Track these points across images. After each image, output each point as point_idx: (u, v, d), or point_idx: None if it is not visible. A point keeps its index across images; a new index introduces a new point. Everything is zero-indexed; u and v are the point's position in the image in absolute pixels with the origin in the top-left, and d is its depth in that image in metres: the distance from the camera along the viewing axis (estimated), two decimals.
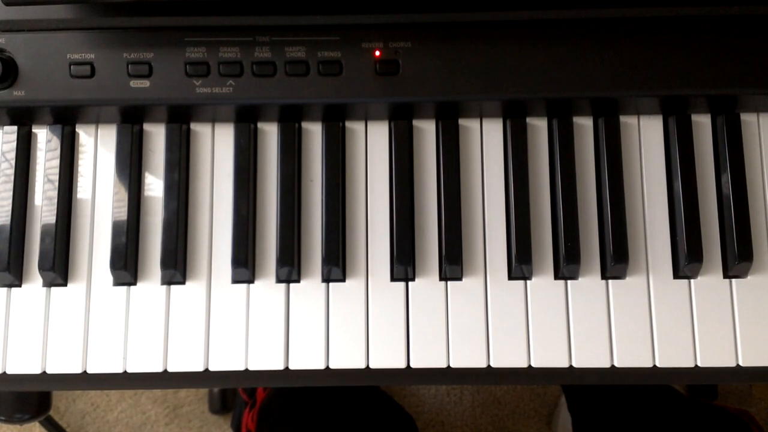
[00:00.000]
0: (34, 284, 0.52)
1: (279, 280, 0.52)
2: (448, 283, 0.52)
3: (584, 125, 0.54)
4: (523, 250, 0.51)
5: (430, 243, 0.52)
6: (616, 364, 0.50)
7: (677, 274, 0.52)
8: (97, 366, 0.51)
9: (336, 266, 0.51)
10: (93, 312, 0.52)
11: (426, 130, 0.54)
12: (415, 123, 0.54)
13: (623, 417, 0.69)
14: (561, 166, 0.52)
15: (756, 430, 0.69)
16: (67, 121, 0.54)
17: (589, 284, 0.52)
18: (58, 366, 0.51)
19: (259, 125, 0.54)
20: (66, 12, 0.51)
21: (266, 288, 0.52)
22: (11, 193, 0.52)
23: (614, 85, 0.50)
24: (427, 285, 0.52)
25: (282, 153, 0.53)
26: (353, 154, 0.54)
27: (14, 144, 0.53)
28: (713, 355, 0.51)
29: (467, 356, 0.51)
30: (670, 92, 0.51)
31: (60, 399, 1.39)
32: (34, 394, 0.66)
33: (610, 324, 0.51)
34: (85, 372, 0.51)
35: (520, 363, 0.51)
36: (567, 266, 0.51)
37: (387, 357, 0.51)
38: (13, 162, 0.53)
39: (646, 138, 0.54)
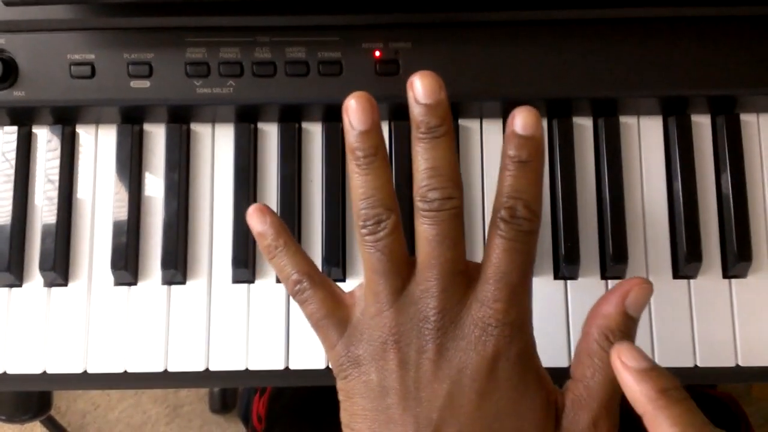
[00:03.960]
0: (34, 284, 0.52)
1: (279, 280, 0.52)
2: None
3: (584, 125, 0.54)
4: None
5: None
6: None
7: (677, 274, 0.52)
8: (97, 366, 0.51)
9: (336, 266, 0.51)
10: (93, 312, 0.52)
11: None
12: None
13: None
14: (561, 167, 0.52)
15: (738, 411, 0.70)
16: (67, 121, 0.54)
17: (588, 284, 0.52)
18: (58, 366, 0.51)
19: (259, 125, 0.54)
20: (66, 12, 0.51)
21: (267, 288, 0.52)
22: (11, 194, 0.52)
23: (614, 86, 0.51)
24: None
25: (282, 153, 0.53)
26: None
27: (14, 144, 0.53)
28: (713, 355, 0.51)
29: None
30: (669, 93, 0.51)
31: (61, 398, 1.39)
32: (34, 394, 0.66)
33: None
34: (85, 372, 0.51)
35: None
36: (566, 266, 0.51)
37: None
38: (13, 162, 0.53)
39: (646, 138, 0.54)
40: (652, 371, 0.34)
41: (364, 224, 0.38)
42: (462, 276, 0.38)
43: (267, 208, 0.42)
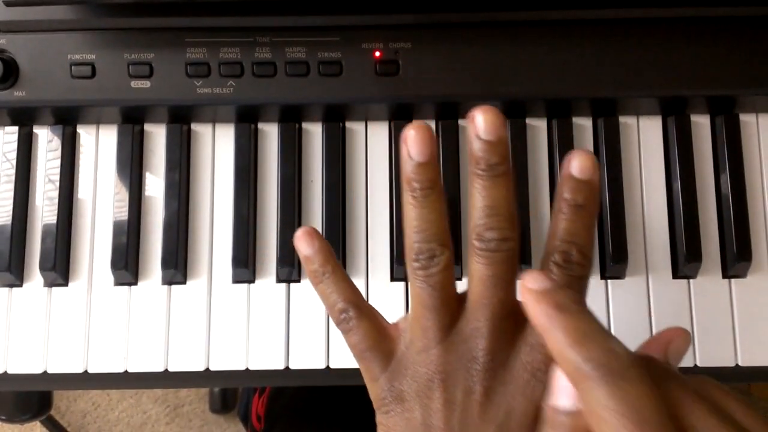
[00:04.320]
0: (35, 284, 0.52)
1: (279, 280, 0.52)
2: None
3: (583, 125, 0.54)
4: (521, 250, 0.51)
5: None
6: None
7: (676, 274, 0.52)
8: (98, 366, 0.51)
9: None
10: (94, 312, 0.52)
11: None
12: None
13: None
14: (560, 167, 0.52)
15: None
16: (68, 121, 0.54)
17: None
18: (59, 366, 0.51)
19: (260, 125, 0.54)
20: (67, 13, 0.51)
21: (267, 288, 0.52)
22: (12, 194, 0.53)
23: (613, 86, 0.51)
24: None
25: (282, 153, 0.53)
26: (353, 154, 0.54)
27: (15, 144, 0.53)
28: (712, 354, 0.51)
29: None
30: (669, 93, 0.51)
31: (61, 398, 1.39)
32: (35, 394, 0.66)
33: (609, 324, 0.51)
34: (86, 371, 0.52)
35: None
36: None
37: None
38: (14, 162, 0.53)
39: (645, 138, 0.54)
40: (551, 290, 0.34)
41: (416, 258, 0.37)
42: (512, 317, 0.37)
43: (315, 232, 0.41)
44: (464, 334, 0.37)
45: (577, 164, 0.36)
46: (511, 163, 0.51)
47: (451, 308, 0.38)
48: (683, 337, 0.37)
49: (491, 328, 0.37)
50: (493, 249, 0.36)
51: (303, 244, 0.41)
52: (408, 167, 0.37)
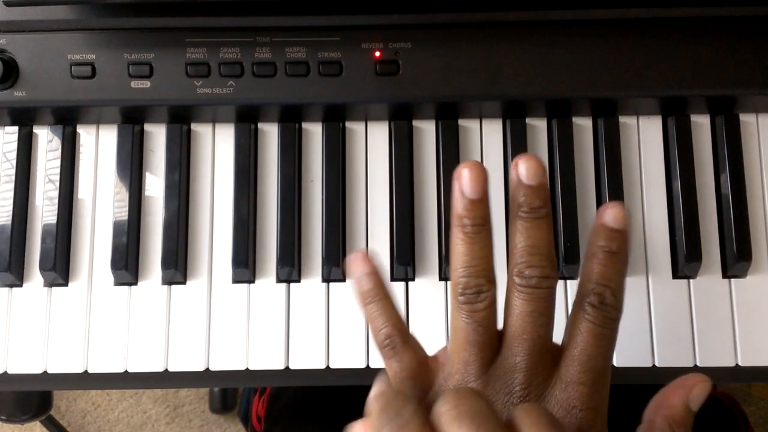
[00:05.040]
0: (35, 284, 0.52)
1: (279, 280, 0.52)
2: (449, 283, 0.52)
3: (583, 125, 0.54)
4: None
5: (430, 243, 0.53)
6: (615, 364, 0.51)
7: (676, 274, 0.52)
8: (98, 366, 0.51)
9: (336, 266, 0.51)
10: (94, 312, 0.52)
11: (426, 130, 0.54)
12: (415, 123, 0.54)
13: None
14: (560, 167, 0.52)
15: (737, 411, 0.70)
16: (68, 121, 0.54)
17: None
18: (59, 366, 0.51)
19: (260, 125, 0.54)
20: (67, 12, 0.51)
21: (267, 288, 0.52)
22: (12, 193, 0.53)
23: (613, 86, 0.51)
24: (427, 285, 0.52)
25: (282, 153, 0.53)
26: (353, 154, 0.54)
27: (15, 144, 0.53)
28: (712, 354, 0.51)
29: None
30: (669, 93, 0.51)
31: (61, 398, 1.39)
32: (35, 394, 0.66)
33: None
34: (86, 371, 0.51)
35: None
36: (566, 266, 0.51)
37: None
38: (14, 162, 0.53)
39: (646, 138, 0.54)
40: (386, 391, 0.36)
41: (462, 292, 0.38)
42: (548, 354, 0.38)
43: (369, 255, 0.42)
44: (502, 368, 0.38)
45: (612, 215, 0.38)
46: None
47: (493, 344, 0.38)
48: (705, 383, 0.39)
49: (529, 363, 0.37)
50: (535, 285, 0.37)
51: (356, 265, 0.42)
52: (460, 204, 0.38)
